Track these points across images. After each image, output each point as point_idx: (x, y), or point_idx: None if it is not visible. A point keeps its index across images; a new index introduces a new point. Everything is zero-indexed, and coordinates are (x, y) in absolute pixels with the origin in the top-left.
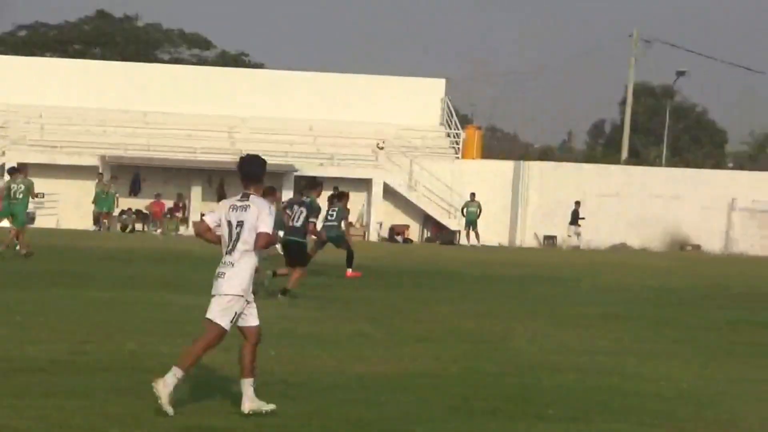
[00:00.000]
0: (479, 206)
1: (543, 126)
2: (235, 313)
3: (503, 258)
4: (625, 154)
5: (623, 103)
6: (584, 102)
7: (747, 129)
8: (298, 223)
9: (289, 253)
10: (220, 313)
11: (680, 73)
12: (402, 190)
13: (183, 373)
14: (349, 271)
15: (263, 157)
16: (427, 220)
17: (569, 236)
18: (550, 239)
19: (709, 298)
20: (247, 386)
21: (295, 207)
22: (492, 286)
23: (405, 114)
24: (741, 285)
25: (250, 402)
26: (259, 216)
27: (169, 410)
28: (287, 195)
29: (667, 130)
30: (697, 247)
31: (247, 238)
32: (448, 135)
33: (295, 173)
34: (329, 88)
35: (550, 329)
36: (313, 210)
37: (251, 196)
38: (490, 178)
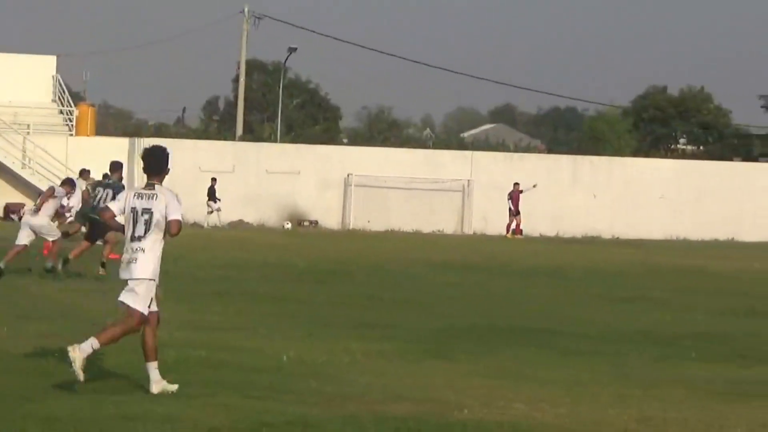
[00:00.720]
0: None
1: (157, 102)
2: (151, 298)
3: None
4: (239, 130)
5: (236, 79)
6: (198, 78)
7: (360, 104)
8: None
9: (95, 228)
10: (139, 299)
11: (292, 50)
12: (15, 167)
13: (99, 346)
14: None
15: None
16: None
17: (210, 213)
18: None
19: (324, 274)
20: (152, 369)
21: (99, 189)
22: (108, 265)
23: (16, 91)
24: (355, 260)
25: (156, 384)
26: (168, 205)
27: (81, 375)
28: None
29: (281, 107)
30: (315, 222)
31: (158, 226)
32: (61, 112)
33: None
34: None
35: (162, 305)
36: (118, 189)
37: (156, 185)
38: (105, 156)
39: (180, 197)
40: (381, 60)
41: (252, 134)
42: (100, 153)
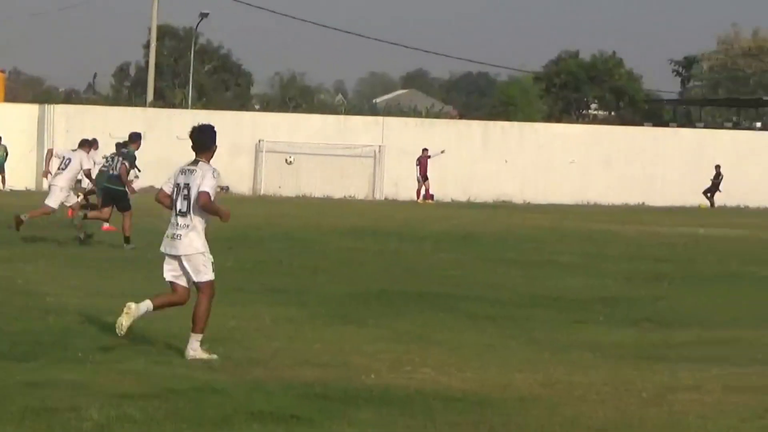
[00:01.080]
0: (6, 150)
1: (69, 69)
2: (211, 262)
3: (29, 202)
4: (150, 96)
5: (147, 45)
6: (109, 44)
7: (272, 70)
8: (117, 172)
9: (111, 200)
10: (200, 271)
11: (203, 15)
12: None
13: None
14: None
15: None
16: None
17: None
18: (77, 183)
19: (234, 240)
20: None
21: (115, 158)
22: (10, 232)
23: None
24: (265, 226)
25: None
26: (203, 177)
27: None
28: None
29: (192, 72)
30: (226, 188)
31: (197, 200)
32: None
33: None
34: None
35: (62, 272)
36: (129, 158)
37: (200, 162)
38: (14, 123)
39: (218, 173)
40: (293, 25)
41: (164, 100)
42: (9, 120)
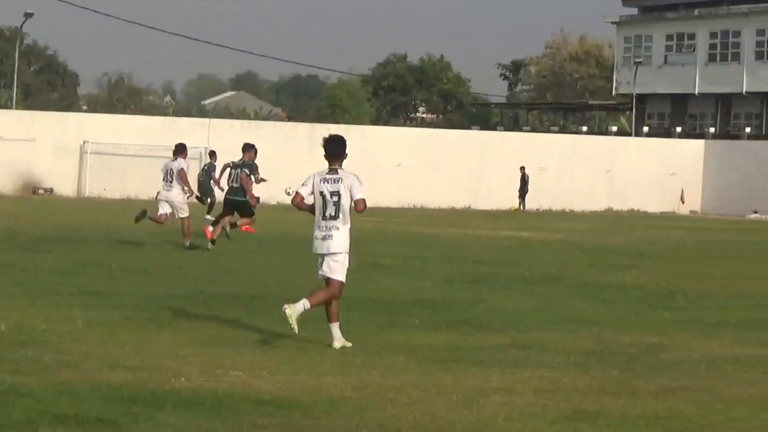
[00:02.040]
0: None
1: None
2: (346, 267)
3: None
4: None
5: None
6: None
7: (101, 71)
8: (237, 184)
9: (232, 209)
10: (338, 270)
11: (28, 15)
12: None
13: (310, 306)
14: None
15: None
16: None
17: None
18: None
19: (54, 242)
20: (335, 329)
21: (231, 170)
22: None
23: None
24: (87, 228)
25: (338, 341)
26: (352, 187)
27: (296, 328)
28: None
29: (18, 73)
30: (50, 190)
31: (346, 206)
32: None
33: None
34: None
35: None
36: (249, 168)
37: (339, 170)
38: None
39: (361, 178)
40: (121, 26)
41: None
42: None
